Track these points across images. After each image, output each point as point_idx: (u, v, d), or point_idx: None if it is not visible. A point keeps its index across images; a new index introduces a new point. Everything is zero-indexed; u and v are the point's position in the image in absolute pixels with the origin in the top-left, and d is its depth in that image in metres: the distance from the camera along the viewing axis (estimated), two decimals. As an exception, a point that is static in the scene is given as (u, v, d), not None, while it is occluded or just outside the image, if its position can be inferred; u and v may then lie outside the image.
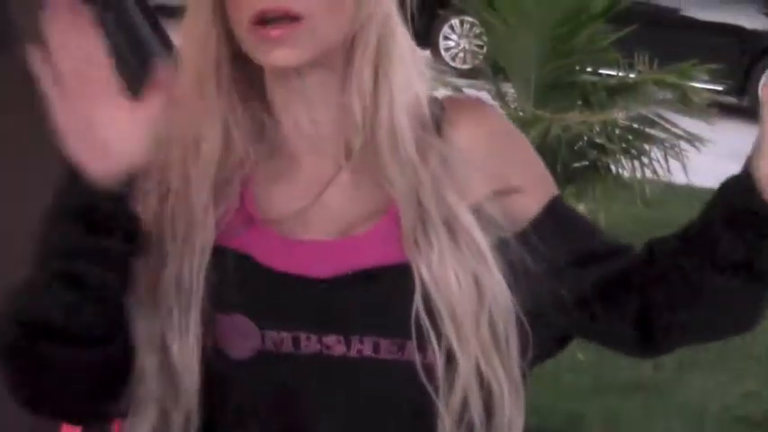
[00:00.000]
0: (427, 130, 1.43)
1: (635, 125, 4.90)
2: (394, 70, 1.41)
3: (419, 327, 1.37)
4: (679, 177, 5.07)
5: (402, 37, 1.44)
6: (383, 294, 1.39)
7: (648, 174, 4.91)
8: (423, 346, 1.37)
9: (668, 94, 5.07)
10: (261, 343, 1.38)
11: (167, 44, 2.11)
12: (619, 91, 4.99)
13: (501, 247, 1.41)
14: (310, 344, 1.38)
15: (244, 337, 1.38)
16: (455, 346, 1.37)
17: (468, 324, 1.37)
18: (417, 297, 1.36)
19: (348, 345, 1.38)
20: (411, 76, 1.43)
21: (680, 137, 4.93)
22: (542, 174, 1.51)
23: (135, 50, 2.05)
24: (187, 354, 1.36)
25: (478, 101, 1.60)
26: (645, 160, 4.88)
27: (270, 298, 1.39)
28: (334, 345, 1.38)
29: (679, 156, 4.93)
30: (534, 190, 1.47)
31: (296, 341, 1.38)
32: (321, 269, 1.39)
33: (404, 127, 1.41)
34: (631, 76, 5.13)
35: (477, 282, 1.39)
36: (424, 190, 1.39)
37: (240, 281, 1.38)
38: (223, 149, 1.40)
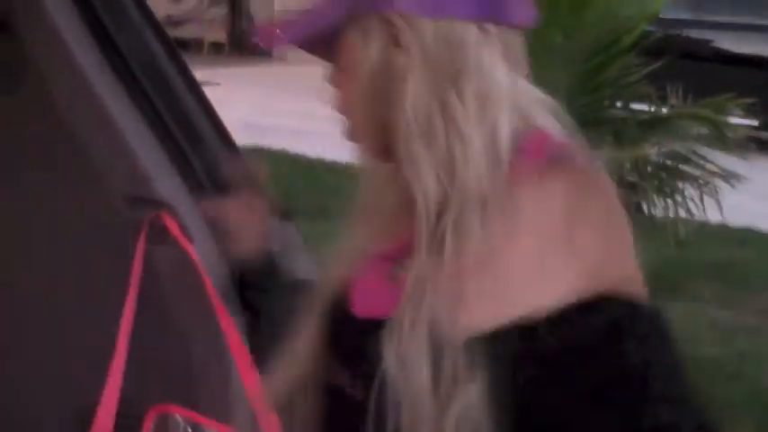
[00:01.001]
0: None
1: (668, 162, 4.77)
2: None
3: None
4: (713, 216, 4.92)
5: None
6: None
7: (682, 213, 4.77)
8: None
9: (702, 130, 4.92)
10: None
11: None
12: (651, 126, 4.86)
13: None
14: None
15: None
16: None
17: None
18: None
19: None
20: None
21: (714, 174, 4.79)
22: None
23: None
24: None
25: None
26: (678, 198, 4.74)
27: None
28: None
29: (713, 194, 4.80)
30: None
31: None
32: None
33: None
34: (664, 110, 4.99)
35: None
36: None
37: None
38: None
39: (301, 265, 2.07)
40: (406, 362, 1.31)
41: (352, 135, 1.44)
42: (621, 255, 1.45)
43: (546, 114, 1.49)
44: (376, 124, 1.40)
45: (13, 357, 2.01)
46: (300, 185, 7.38)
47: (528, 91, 1.46)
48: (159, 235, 1.87)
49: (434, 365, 1.31)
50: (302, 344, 1.49)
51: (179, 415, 1.83)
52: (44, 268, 2.00)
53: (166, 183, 1.91)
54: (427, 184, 1.37)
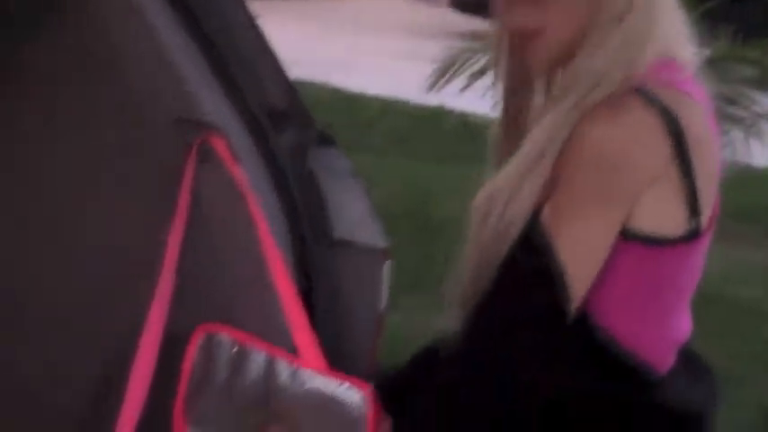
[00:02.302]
0: None
1: (714, 103, 4.70)
2: None
3: None
4: (759, 159, 4.89)
5: None
6: None
7: (727, 155, 4.73)
8: None
9: (750, 72, 4.87)
10: None
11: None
12: (698, 67, 4.79)
13: None
14: None
15: None
16: None
17: None
18: None
19: None
20: None
21: (761, 116, 4.75)
22: None
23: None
24: None
25: None
26: (724, 140, 4.70)
27: None
28: None
29: (760, 136, 4.76)
30: None
31: None
32: None
33: None
34: (712, 51, 4.92)
35: None
36: None
37: None
38: None
39: (349, 197, 2.08)
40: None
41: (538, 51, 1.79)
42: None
43: (684, 47, 1.84)
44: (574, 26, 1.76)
45: (62, 286, 2.01)
46: (340, 118, 7.38)
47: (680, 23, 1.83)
48: (208, 158, 1.87)
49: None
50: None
51: (225, 335, 1.84)
52: (90, 193, 2.00)
53: (216, 106, 1.91)
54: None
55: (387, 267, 2.00)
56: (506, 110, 1.91)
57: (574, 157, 1.70)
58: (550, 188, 1.72)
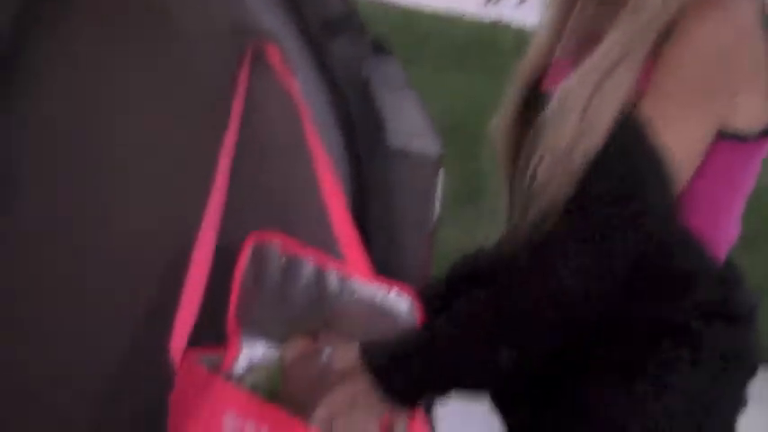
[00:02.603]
0: None
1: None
2: None
3: None
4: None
5: None
6: None
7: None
8: None
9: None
10: None
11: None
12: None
13: None
14: None
15: None
16: None
17: None
18: None
19: None
20: None
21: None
22: None
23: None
24: None
25: None
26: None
27: None
28: None
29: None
30: None
31: None
32: None
33: None
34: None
35: None
36: None
37: None
38: None
39: (404, 106, 2.07)
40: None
41: None
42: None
43: None
44: None
45: (118, 201, 2.02)
46: (396, 33, 7.33)
47: None
48: (262, 67, 1.86)
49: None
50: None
51: (276, 244, 1.84)
52: (143, 100, 2.00)
53: (270, 15, 1.90)
54: None
55: (440, 177, 1.99)
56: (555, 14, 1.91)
57: (679, 53, 1.69)
58: (642, 86, 1.70)
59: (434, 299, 1.86)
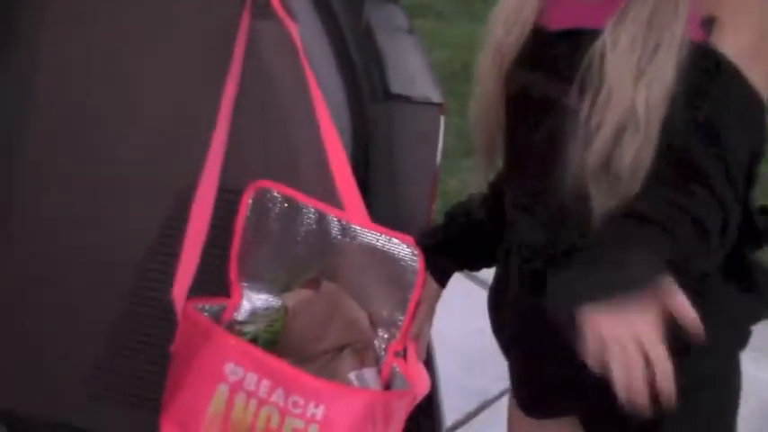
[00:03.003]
0: None
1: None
2: None
3: None
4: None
5: None
6: None
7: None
8: None
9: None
10: None
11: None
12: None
13: None
14: None
15: None
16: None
17: None
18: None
19: None
20: None
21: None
22: None
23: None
24: None
25: None
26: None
27: None
28: None
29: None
30: None
31: None
32: None
33: None
34: None
35: None
36: None
37: None
38: None
39: (406, 51, 2.04)
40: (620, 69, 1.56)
41: None
42: None
43: None
44: None
45: (122, 142, 2.01)
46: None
47: None
48: (263, 12, 1.84)
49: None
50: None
51: (276, 191, 1.83)
52: (145, 45, 1.98)
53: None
54: None
55: (442, 125, 1.97)
56: None
57: None
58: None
59: (433, 245, 1.84)
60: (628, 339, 1.41)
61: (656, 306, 1.43)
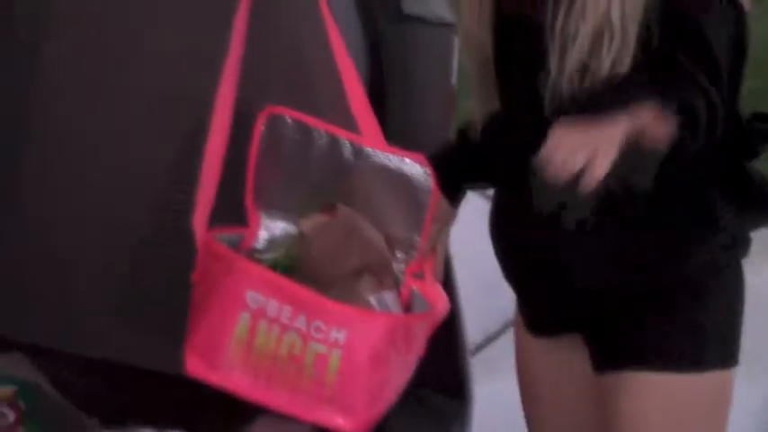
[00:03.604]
0: None
1: None
2: None
3: None
4: None
5: None
6: None
7: None
8: None
9: None
10: None
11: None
12: None
13: None
14: None
15: None
16: None
17: None
18: None
19: None
20: None
21: None
22: None
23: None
24: None
25: None
26: None
27: None
28: None
29: None
30: None
31: None
32: None
33: None
34: None
35: None
36: None
37: None
38: None
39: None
40: None
41: None
42: None
43: None
44: None
45: (139, 78, 2.00)
46: None
47: None
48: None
49: None
50: None
51: (289, 116, 1.82)
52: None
53: None
54: None
55: (456, 46, 1.96)
56: None
57: None
58: None
59: (445, 164, 1.84)
60: (582, 149, 1.48)
61: (629, 122, 1.50)
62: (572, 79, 1.65)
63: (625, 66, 1.62)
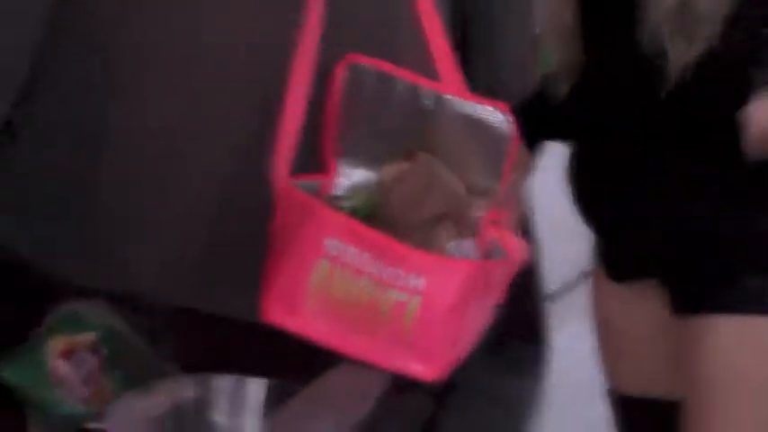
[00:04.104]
0: None
1: None
2: None
3: None
4: None
5: None
6: None
7: None
8: None
9: None
10: None
11: None
12: None
13: None
14: None
15: None
16: None
17: None
18: None
19: None
20: None
21: None
22: None
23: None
24: None
25: None
26: None
27: None
28: None
29: None
30: None
31: None
32: None
33: None
34: None
35: None
36: None
37: None
38: None
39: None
40: None
41: None
42: None
43: None
44: None
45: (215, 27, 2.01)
46: None
47: None
48: None
49: None
50: None
51: (368, 64, 1.82)
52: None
53: None
54: None
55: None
56: None
57: None
58: None
59: (526, 111, 1.83)
60: None
61: None
62: (669, 21, 1.62)
63: (725, 4, 1.59)
